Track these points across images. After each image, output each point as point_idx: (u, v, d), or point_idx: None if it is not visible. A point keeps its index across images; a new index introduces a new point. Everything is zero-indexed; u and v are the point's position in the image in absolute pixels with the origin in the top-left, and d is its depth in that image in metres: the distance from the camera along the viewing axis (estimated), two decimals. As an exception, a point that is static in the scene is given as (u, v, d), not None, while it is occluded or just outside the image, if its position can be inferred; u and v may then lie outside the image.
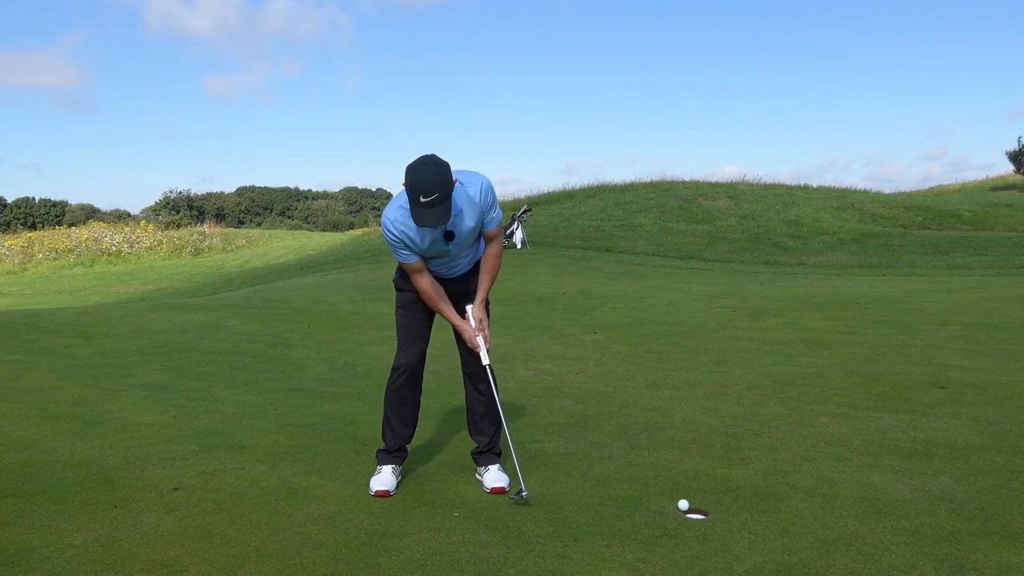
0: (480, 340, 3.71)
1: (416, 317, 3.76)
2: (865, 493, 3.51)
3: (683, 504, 3.38)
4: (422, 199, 3.21)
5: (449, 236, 3.50)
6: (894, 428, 4.53)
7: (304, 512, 3.42)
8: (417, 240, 3.47)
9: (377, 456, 3.82)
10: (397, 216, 3.45)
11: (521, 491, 3.48)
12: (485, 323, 3.77)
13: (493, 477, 3.71)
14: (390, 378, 3.79)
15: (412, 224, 3.41)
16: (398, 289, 3.81)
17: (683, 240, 21.06)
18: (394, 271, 3.83)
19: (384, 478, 3.70)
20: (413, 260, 3.54)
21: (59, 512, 3.45)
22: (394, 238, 3.47)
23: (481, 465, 3.83)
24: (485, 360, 3.73)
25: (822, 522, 3.21)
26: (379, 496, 3.61)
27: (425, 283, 3.60)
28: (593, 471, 3.91)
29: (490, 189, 3.54)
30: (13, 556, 3.02)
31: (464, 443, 4.22)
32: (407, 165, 3.30)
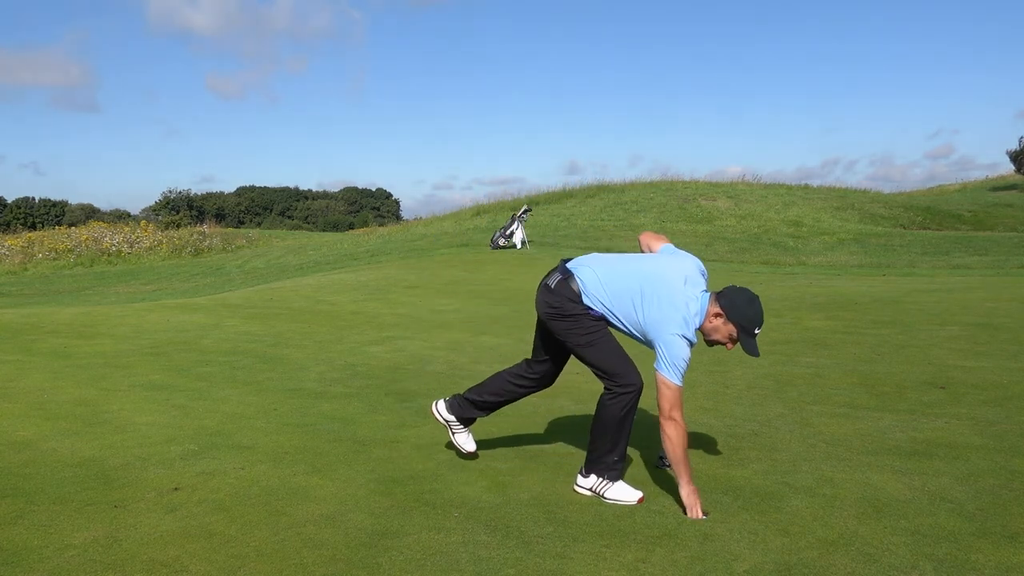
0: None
1: (613, 338, 3.66)
2: (865, 493, 3.52)
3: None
4: (756, 331, 3.45)
5: None
6: (894, 428, 4.53)
7: (304, 512, 3.43)
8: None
9: (612, 471, 3.59)
10: (690, 330, 3.45)
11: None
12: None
13: (463, 439, 3.97)
14: (620, 403, 3.54)
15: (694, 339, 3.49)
16: (593, 320, 3.59)
17: (683, 240, 21.04)
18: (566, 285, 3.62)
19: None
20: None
21: (59, 512, 3.46)
22: (689, 347, 3.44)
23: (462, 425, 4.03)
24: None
25: (822, 522, 3.22)
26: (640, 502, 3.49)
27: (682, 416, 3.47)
28: (593, 471, 3.90)
29: None
30: (13, 556, 3.02)
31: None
32: (731, 294, 3.45)
